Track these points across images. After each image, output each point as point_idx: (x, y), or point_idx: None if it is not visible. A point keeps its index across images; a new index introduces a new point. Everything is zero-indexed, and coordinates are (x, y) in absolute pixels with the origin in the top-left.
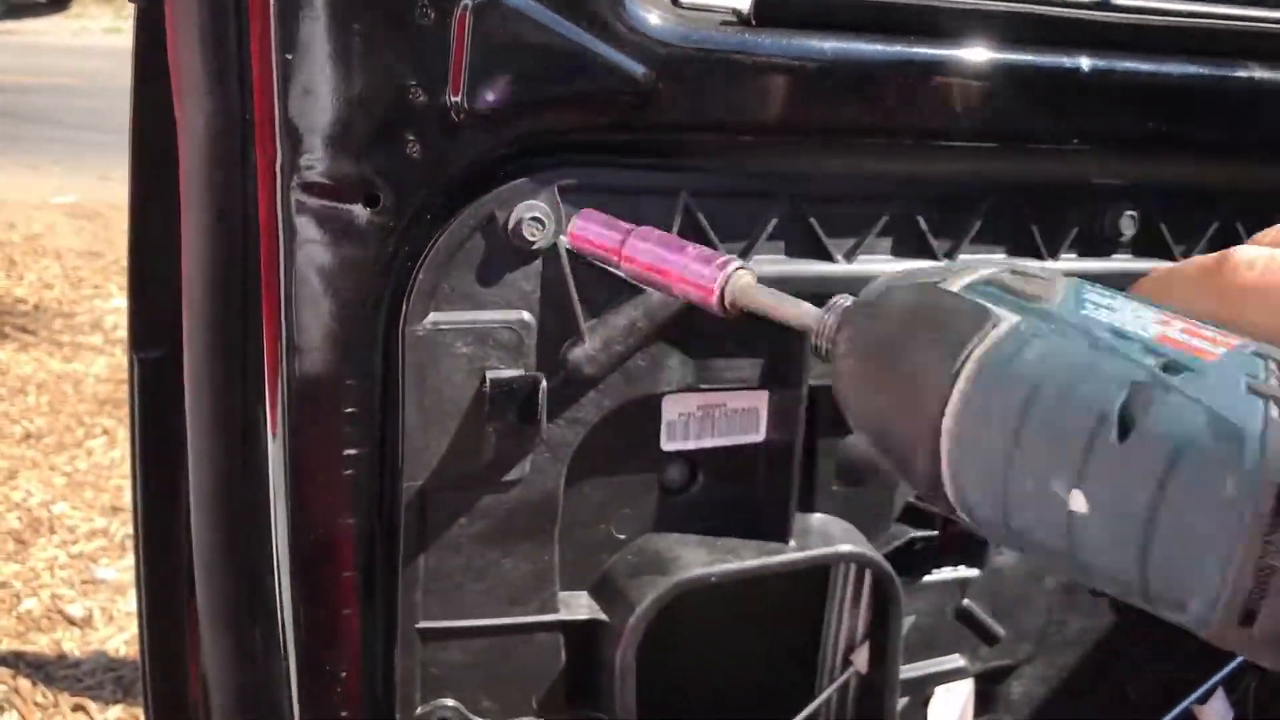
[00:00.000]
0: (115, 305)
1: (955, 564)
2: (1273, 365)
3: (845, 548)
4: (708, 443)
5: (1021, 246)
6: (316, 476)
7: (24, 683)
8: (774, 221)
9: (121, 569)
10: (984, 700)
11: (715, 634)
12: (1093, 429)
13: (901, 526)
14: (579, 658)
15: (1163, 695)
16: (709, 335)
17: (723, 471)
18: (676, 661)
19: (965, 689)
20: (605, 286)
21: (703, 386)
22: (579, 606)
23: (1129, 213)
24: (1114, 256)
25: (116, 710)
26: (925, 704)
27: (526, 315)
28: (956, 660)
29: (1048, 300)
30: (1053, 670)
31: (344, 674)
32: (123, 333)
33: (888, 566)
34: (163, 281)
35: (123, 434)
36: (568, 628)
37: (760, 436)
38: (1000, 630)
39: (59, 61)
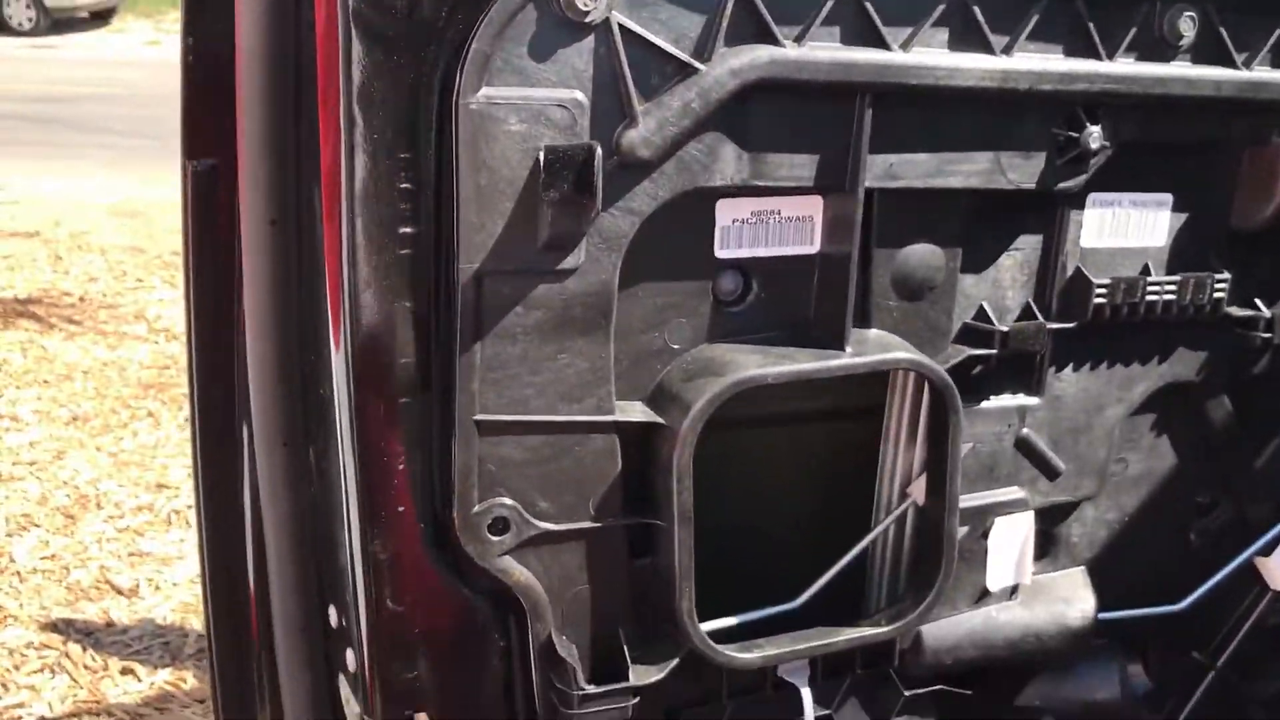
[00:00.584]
0: (158, 297)
1: (1014, 390)
2: None
3: (902, 355)
4: (761, 252)
5: (1078, 47)
6: (373, 257)
7: (74, 648)
8: (829, 4)
9: (167, 542)
10: (1044, 543)
11: (771, 473)
12: None
13: (959, 346)
14: (635, 463)
15: (1226, 544)
16: (764, 127)
17: (776, 283)
18: (731, 501)
19: (1026, 521)
20: (659, 67)
21: (757, 183)
22: (635, 411)
23: (1188, 14)
24: (1173, 62)
25: (165, 674)
26: (984, 535)
27: (579, 94)
28: (1016, 492)
29: None
30: (1113, 513)
31: (401, 465)
32: (166, 323)
33: (946, 375)
34: (215, 91)
35: (167, 416)
36: (624, 430)
37: (815, 247)
38: (1060, 463)
39: (102, 73)
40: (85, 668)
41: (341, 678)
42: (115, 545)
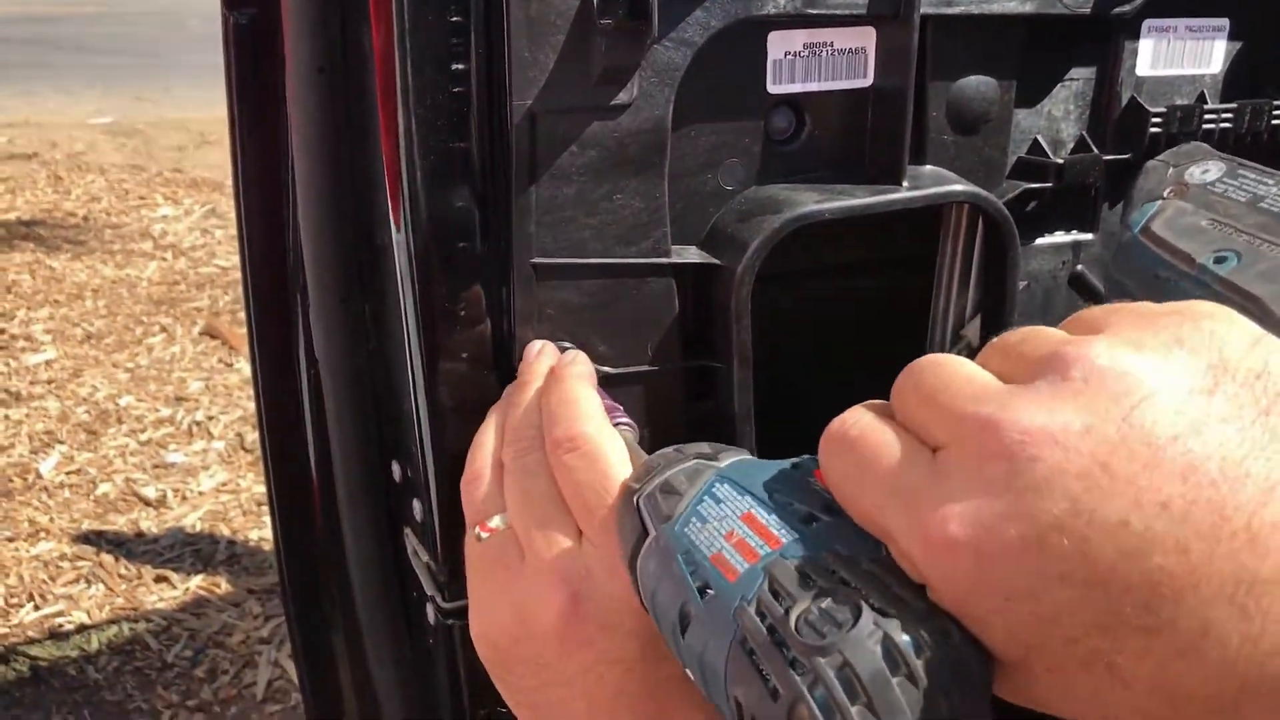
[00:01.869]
0: (162, 214)
1: (1068, 227)
2: (766, 582)
3: (960, 187)
4: (814, 86)
5: None
6: (425, 97)
7: (107, 558)
8: None
9: (190, 453)
10: None
11: (827, 323)
12: (674, 626)
13: (1014, 181)
14: (693, 305)
15: None
16: None
17: (830, 119)
18: (789, 352)
19: None
20: None
21: (809, 11)
22: (690, 253)
23: None
24: None
25: (198, 579)
26: None
27: None
28: None
29: (670, 517)
30: None
31: (463, 312)
32: (172, 239)
33: (1003, 208)
34: None
35: (180, 331)
36: (680, 272)
37: (869, 80)
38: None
39: None
40: (120, 576)
41: (408, 531)
42: (139, 458)
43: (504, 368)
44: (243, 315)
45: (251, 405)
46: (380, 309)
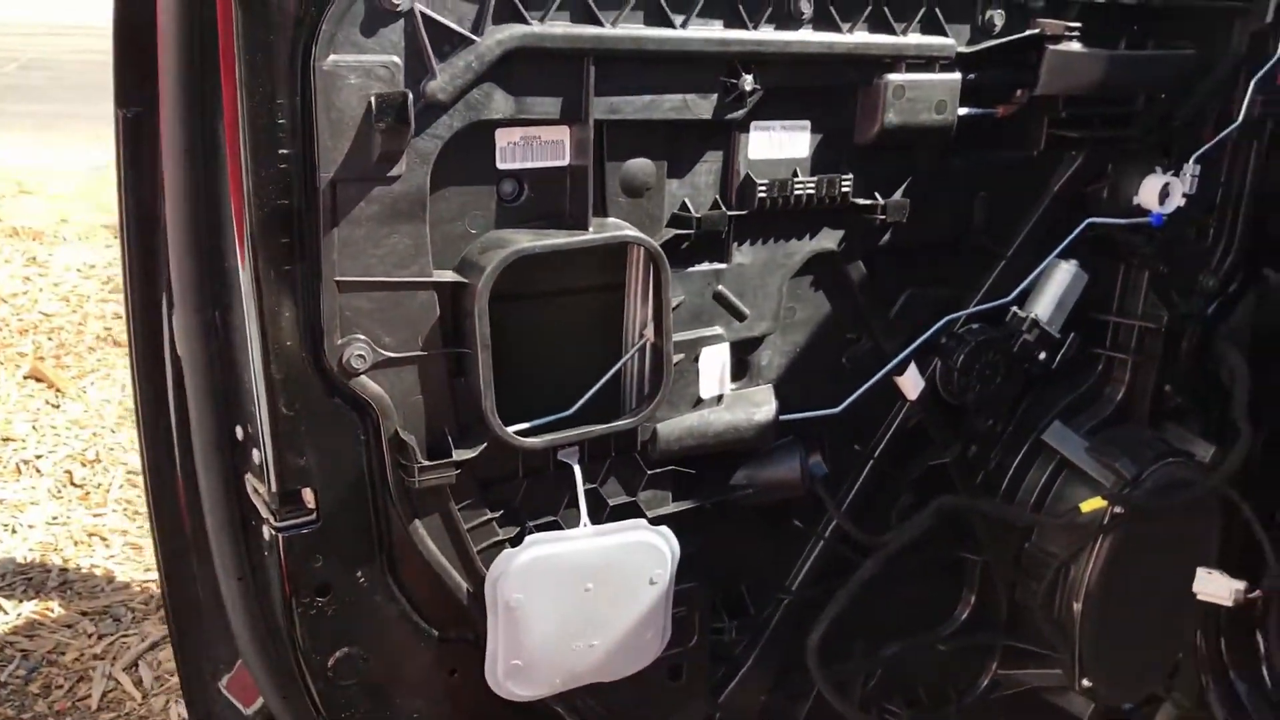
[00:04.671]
0: None
1: (710, 260)
2: None
3: (626, 232)
4: (530, 164)
5: (732, 20)
6: (261, 170)
7: None
8: None
9: (19, 490)
10: (742, 368)
11: (561, 330)
12: None
13: (668, 229)
14: (449, 312)
15: (869, 366)
16: (524, 78)
17: (541, 186)
18: (536, 350)
19: (724, 350)
20: (448, 39)
21: (521, 117)
22: (448, 274)
23: None
24: (799, 30)
25: (30, 605)
26: (695, 360)
27: (396, 58)
28: (716, 329)
29: None
30: (788, 346)
31: (288, 314)
32: None
33: (656, 246)
34: (143, 44)
35: (3, 375)
36: (440, 287)
37: (566, 161)
38: (745, 309)
39: None
40: None
41: (249, 475)
42: None
43: (318, 355)
44: (66, 360)
45: (78, 444)
46: (228, 312)
